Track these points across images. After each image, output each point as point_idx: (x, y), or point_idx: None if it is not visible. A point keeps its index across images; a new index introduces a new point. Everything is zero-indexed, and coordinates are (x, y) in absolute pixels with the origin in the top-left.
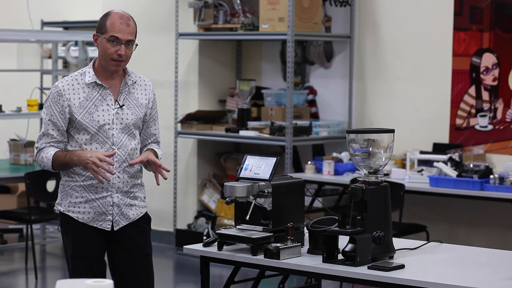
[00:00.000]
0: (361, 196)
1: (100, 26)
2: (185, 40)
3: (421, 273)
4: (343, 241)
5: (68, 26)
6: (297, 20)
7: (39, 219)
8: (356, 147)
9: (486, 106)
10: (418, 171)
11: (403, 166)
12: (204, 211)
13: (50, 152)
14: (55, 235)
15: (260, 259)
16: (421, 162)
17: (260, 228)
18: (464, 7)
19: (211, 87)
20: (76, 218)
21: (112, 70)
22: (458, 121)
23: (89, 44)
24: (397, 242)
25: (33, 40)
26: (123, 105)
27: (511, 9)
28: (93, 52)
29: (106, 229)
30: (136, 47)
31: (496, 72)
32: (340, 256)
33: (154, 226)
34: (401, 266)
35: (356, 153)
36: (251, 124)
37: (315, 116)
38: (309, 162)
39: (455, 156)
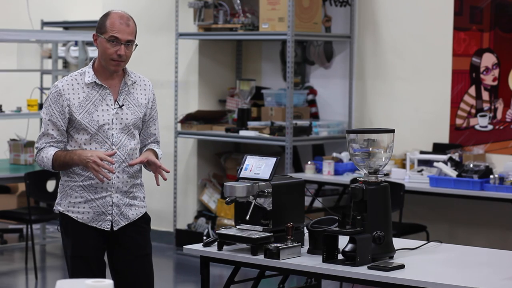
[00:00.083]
0: (361, 196)
1: (99, 26)
2: (185, 40)
3: (421, 273)
4: (343, 241)
5: (68, 26)
6: (297, 20)
7: (39, 219)
8: (356, 147)
9: (486, 106)
10: (418, 171)
11: (403, 166)
12: (204, 211)
13: (50, 152)
14: (55, 235)
15: (260, 259)
16: (421, 162)
17: (260, 228)
18: (464, 7)
19: (211, 87)
20: (76, 218)
21: (111, 70)
22: (458, 121)
23: (89, 44)
24: (397, 242)
25: (33, 40)
26: (122, 105)
27: (511, 9)
28: (93, 52)
29: (106, 229)
30: (136, 47)
31: (496, 72)
32: (340, 256)
33: (154, 226)
34: (401, 266)
35: (356, 153)
36: (251, 124)
37: (315, 116)
38: (309, 162)
39: (455, 156)
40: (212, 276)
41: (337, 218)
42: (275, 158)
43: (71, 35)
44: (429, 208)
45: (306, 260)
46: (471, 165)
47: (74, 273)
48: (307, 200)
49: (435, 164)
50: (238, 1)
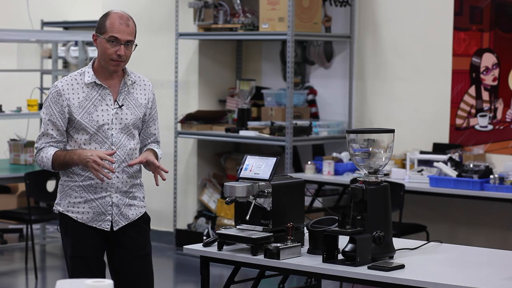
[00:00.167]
0: (361, 196)
1: (99, 26)
2: (185, 40)
3: (421, 273)
4: (343, 241)
5: (68, 26)
6: (297, 20)
7: (39, 219)
8: (356, 147)
9: (486, 106)
10: (418, 171)
11: (403, 166)
12: (204, 211)
13: (50, 152)
14: (55, 235)
15: (260, 259)
16: (421, 162)
17: (260, 228)
18: (464, 7)
19: (211, 87)
20: (75, 218)
21: (111, 70)
22: (458, 121)
23: (89, 44)
24: (397, 242)
25: (33, 40)
26: (122, 105)
27: (511, 9)
28: (93, 52)
29: (105, 229)
30: (135, 47)
31: (496, 72)
32: (340, 256)
33: (154, 226)
34: (401, 266)
35: (356, 153)
36: (251, 124)
37: (315, 116)
38: (309, 162)
39: (455, 156)
40: (212, 276)
41: (337, 218)
42: (275, 158)
43: (71, 35)
44: (429, 208)
45: (306, 260)
46: (471, 165)
47: (74, 273)
48: (307, 200)
49: (435, 164)
50: (238, 1)
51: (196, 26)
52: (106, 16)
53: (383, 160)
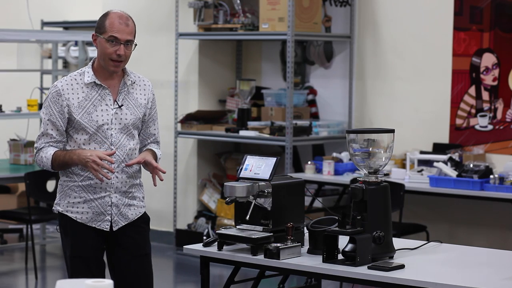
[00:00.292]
0: (361, 196)
1: (99, 26)
2: (185, 40)
3: (421, 273)
4: (343, 241)
5: (68, 26)
6: (297, 20)
7: (39, 219)
8: (356, 147)
9: (486, 106)
10: (418, 171)
11: (403, 166)
12: (204, 211)
13: (49, 152)
14: (55, 235)
15: (260, 259)
16: (421, 162)
17: (260, 228)
18: (464, 7)
19: (211, 87)
20: (75, 218)
21: (111, 70)
22: (458, 121)
23: (89, 44)
24: (397, 242)
25: (33, 40)
26: (122, 105)
27: (511, 9)
28: (93, 52)
29: (105, 229)
30: (135, 47)
31: (496, 72)
32: (340, 256)
33: (154, 226)
34: (401, 266)
35: (356, 153)
36: (251, 124)
37: (315, 116)
38: (309, 162)
39: (455, 156)
40: (212, 276)
41: (337, 218)
42: (275, 158)
43: (71, 35)
44: (429, 208)
45: (306, 260)
46: (471, 165)
47: (73, 273)
48: (307, 200)
49: (435, 164)
50: (238, 1)
51: (196, 26)
52: (105, 16)
53: (383, 160)
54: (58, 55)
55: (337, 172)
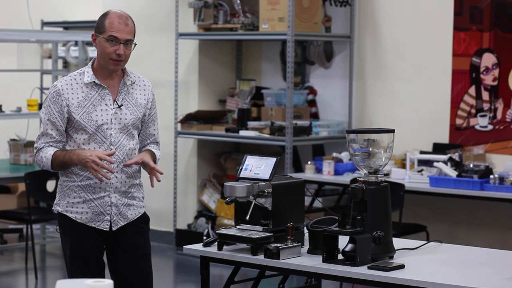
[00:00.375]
0: (361, 196)
1: (98, 26)
2: (185, 40)
3: (421, 273)
4: (343, 241)
5: (68, 26)
6: (297, 20)
7: (39, 219)
8: (356, 147)
9: (486, 106)
10: (418, 171)
11: (403, 166)
12: (204, 211)
13: (49, 152)
14: (55, 235)
15: (260, 259)
16: (421, 162)
17: (260, 228)
18: (464, 7)
19: (211, 87)
20: (74, 219)
21: (111, 69)
22: (458, 121)
23: (89, 44)
24: (397, 242)
25: (33, 40)
26: (121, 105)
27: (511, 9)
28: (93, 52)
29: (104, 229)
30: (135, 46)
31: (496, 72)
32: (340, 256)
33: (154, 226)
34: (401, 266)
35: (356, 153)
36: (251, 124)
37: (315, 116)
38: (309, 162)
39: (455, 156)
40: (212, 276)
41: (337, 218)
42: (275, 158)
43: (71, 35)
44: (429, 208)
45: (306, 260)
46: (471, 165)
47: (73, 273)
48: (307, 200)
49: (435, 164)
50: (238, 1)
51: (196, 26)
52: (105, 15)
53: (383, 160)
54: (58, 55)
55: (337, 172)
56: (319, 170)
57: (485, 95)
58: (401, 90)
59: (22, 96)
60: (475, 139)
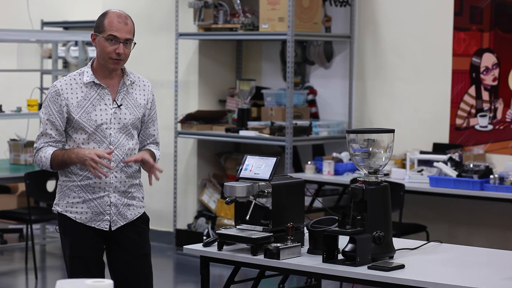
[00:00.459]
0: (361, 196)
1: (98, 26)
2: (185, 40)
3: (421, 273)
4: (343, 241)
5: (68, 26)
6: (297, 20)
7: (39, 219)
8: (356, 147)
9: (486, 106)
10: (418, 171)
11: (403, 166)
12: (204, 211)
13: (48, 152)
14: (55, 235)
15: (260, 259)
16: (421, 162)
17: (260, 228)
18: (464, 7)
19: (211, 87)
20: (74, 219)
21: (110, 68)
22: (458, 121)
23: (89, 44)
24: (397, 242)
25: (33, 40)
26: (121, 104)
27: (511, 9)
28: (93, 52)
29: (104, 229)
30: (134, 45)
31: (496, 72)
32: (340, 256)
33: (154, 226)
34: (401, 266)
35: (356, 153)
36: (251, 124)
37: (315, 116)
38: (309, 162)
39: (455, 156)
40: (212, 276)
41: (337, 218)
42: (275, 158)
43: (71, 35)
44: (429, 208)
45: (306, 260)
46: (471, 165)
47: (73, 273)
48: (307, 200)
49: (435, 164)
50: (238, 1)
51: (196, 26)
52: (104, 15)
53: (383, 160)
54: (58, 55)
55: (337, 172)
56: (319, 170)
57: (485, 95)
58: (401, 90)
59: (22, 96)
60: (475, 139)
